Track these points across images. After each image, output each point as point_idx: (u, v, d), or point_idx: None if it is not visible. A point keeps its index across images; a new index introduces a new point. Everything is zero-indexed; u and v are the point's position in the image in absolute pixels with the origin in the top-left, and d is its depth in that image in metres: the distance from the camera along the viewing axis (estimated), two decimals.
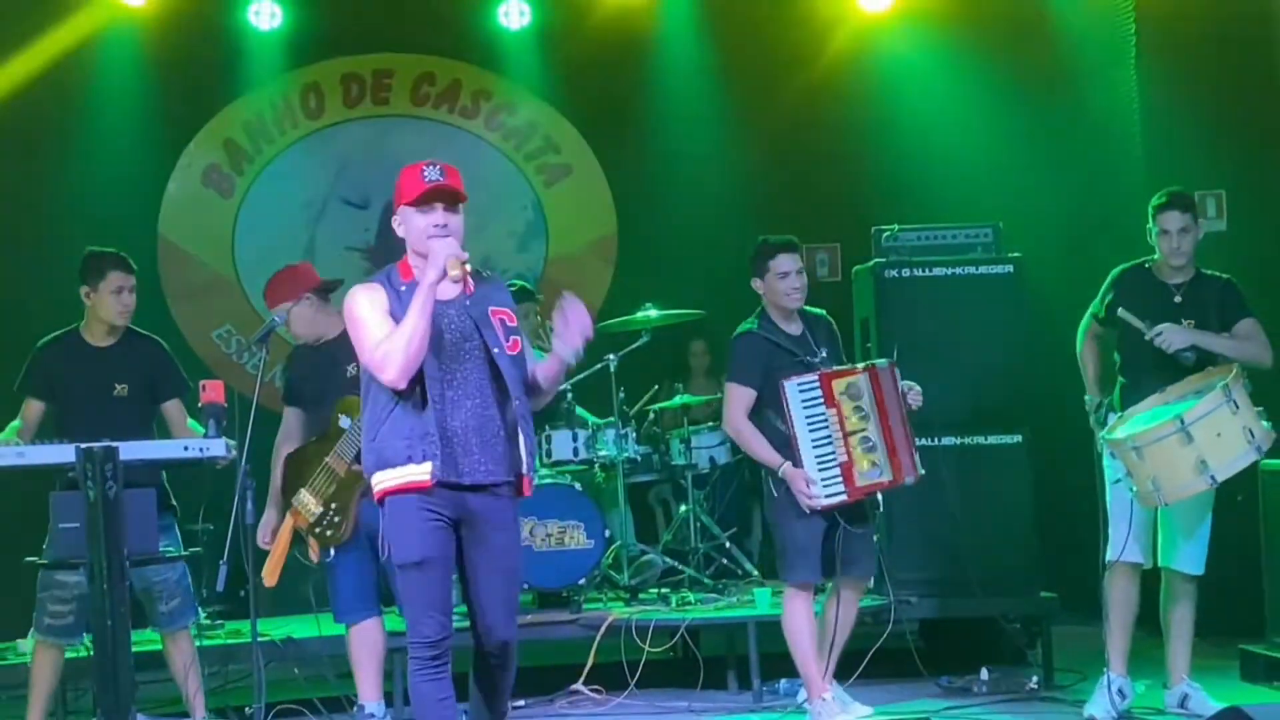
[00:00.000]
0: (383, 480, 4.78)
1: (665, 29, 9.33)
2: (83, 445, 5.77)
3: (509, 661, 4.95)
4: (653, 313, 7.95)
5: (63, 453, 5.83)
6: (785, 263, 6.22)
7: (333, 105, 9.71)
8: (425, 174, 4.81)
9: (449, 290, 4.82)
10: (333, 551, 6.27)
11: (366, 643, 6.38)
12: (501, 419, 4.80)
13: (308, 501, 6.26)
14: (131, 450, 5.85)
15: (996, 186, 8.80)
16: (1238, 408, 5.81)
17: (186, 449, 6.06)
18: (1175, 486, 5.84)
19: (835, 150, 9.39)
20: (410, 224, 4.84)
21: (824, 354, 6.27)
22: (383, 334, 4.71)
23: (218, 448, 5.99)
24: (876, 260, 7.45)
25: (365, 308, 4.79)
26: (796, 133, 9.40)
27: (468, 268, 4.80)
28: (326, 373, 6.29)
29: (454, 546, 4.81)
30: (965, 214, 7.86)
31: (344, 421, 6.21)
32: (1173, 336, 6.06)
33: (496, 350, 4.78)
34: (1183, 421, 5.73)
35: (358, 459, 5.95)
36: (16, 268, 8.76)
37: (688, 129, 9.47)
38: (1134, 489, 5.95)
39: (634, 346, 7.97)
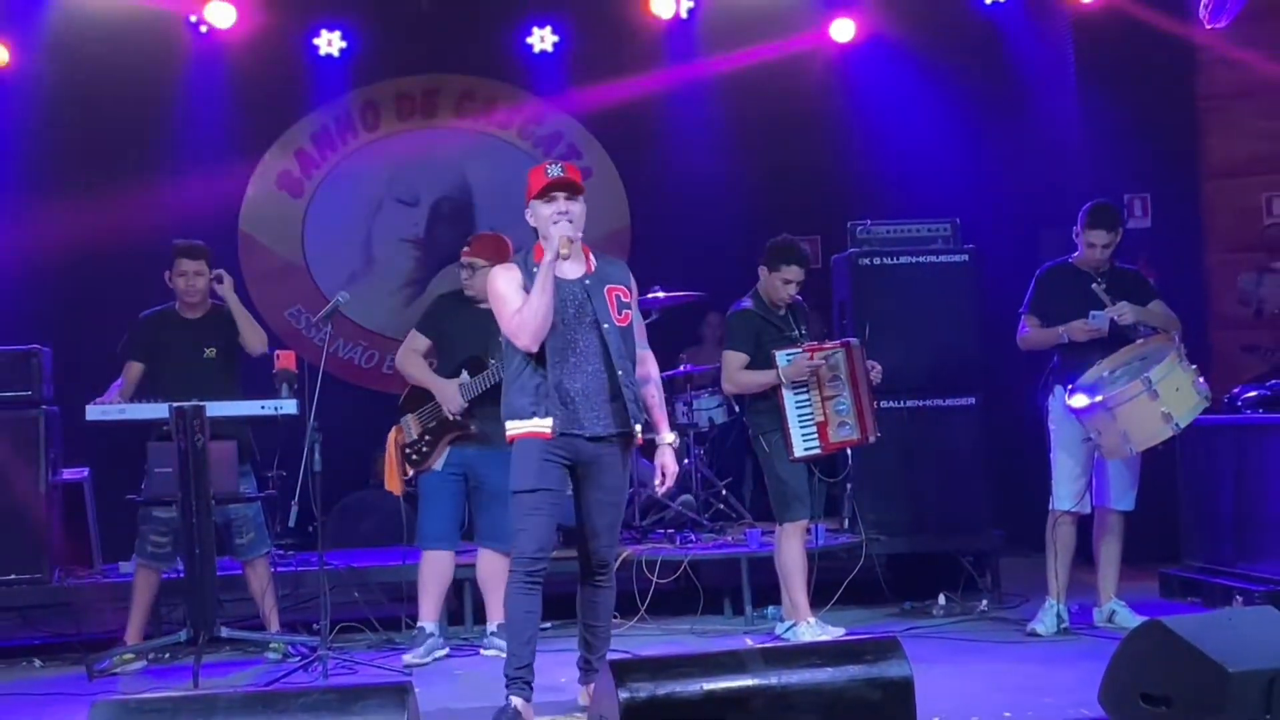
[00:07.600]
0: (512, 427, 5.00)
1: (670, 52, 9.31)
2: (175, 405, 5.87)
3: (609, 580, 5.19)
4: (660, 294, 7.93)
5: (158, 410, 5.95)
6: (793, 273, 6.33)
7: (388, 119, 9.68)
8: (548, 171, 4.99)
9: (574, 270, 4.99)
10: (409, 471, 6.29)
11: (435, 569, 6.30)
12: (614, 382, 4.95)
13: (411, 425, 6.33)
14: (217, 408, 5.95)
15: (955, 187, 8.77)
16: (1189, 366, 5.88)
17: (263, 407, 6.13)
18: (1144, 437, 5.86)
19: (817, 156, 9.34)
20: (538, 214, 4.98)
21: (802, 330, 6.44)
22: (517, 306, 4.90)
23: (290, 407, 6.07)
24: (852, 250, 7.46)
25: (504, 285, 4.98)
26: (783, 141, 9.34)
27: (576, 245, 4.90)
28: (478, 327, 6.12)
29: (567, 484, 5.04)
30: (928, 210, 7.85)
31: (464, 376, 6.24)
32: (1128, 313, 6.13)
33: (607, 326, 4.94)
34: (1149, 381, 5.75)
35: (465, 411, 6.17)
36: (121, 260, 8.69)
37: (690, 137, 9.42)
38: (1103, 445, 5.96)
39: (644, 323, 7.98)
